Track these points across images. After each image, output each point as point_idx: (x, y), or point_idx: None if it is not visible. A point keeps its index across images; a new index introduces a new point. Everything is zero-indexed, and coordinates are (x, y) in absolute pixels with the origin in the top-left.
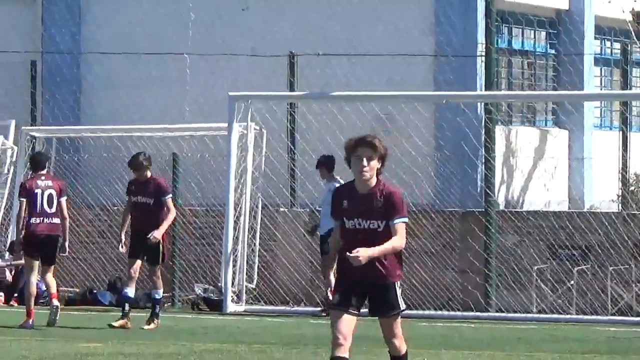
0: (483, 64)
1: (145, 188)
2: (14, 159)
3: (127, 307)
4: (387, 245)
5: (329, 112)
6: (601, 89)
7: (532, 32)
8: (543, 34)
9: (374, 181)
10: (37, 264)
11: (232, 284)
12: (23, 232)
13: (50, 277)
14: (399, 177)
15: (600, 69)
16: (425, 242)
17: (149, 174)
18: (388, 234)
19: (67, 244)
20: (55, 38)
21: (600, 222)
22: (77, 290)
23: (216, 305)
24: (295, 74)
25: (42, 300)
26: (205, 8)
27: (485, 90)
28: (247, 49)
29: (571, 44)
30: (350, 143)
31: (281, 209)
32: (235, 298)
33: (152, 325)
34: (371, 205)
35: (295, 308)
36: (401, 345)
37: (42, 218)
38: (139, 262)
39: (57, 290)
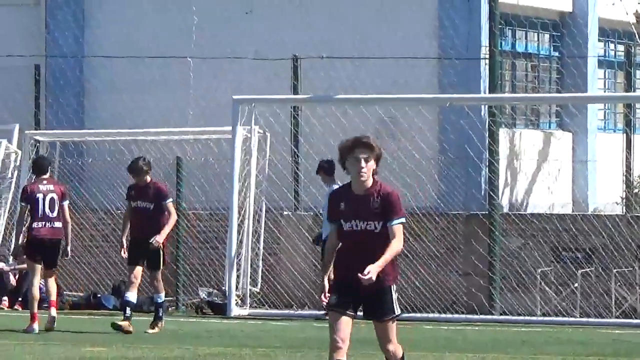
0: (487, 67)
1: (145, 193)
2: (17, 163)
3: (128, 311)
4: (391, 252)
5: (333, 115)
6: (605, 92)
7: (536, 34)
8: (547, 36)
9: (370, 182)
10: (40, 267)
11: (236, 287)
12: (25, 237)
13: (52, 282)
14: (403, 180)
15: (604, 71)
16: (429, 245)
17: (148, 178)
18: (385, 235)
19: (69, 248)
20: (59, 41)
21: (604, 224)
22: (81, 294)
23: (220, 309)
24: (299, 77)
25: (45, 305)
26: (208, 11)
27: (489, 93)
28: (251, 52)
29: (575, 46)
30: (346, 144)
31: (285, 213)
32: (239, 302)
33: (155, 329)
34: (368, 207)
35: (299, 311)
36: (396, 350)
37: (44, 222)
38: (139, 268)
39: (58, 296)
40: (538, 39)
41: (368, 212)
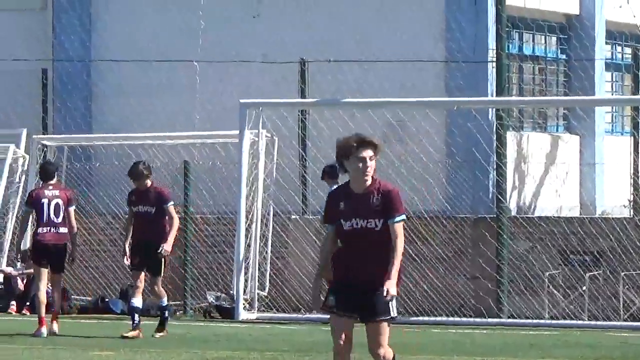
0: (494, 70)
1: (146, 197)
2: (25, 168)
3: (137, 317)
4: (398, 257)
5: (340, 118)
6: (612, 94)
7: (543, 37)
8: (554, 39)
9: (370, 180)
10: (46, 272)
11: (244, 291)
12: (31, 241)
13: (58, 290)
14: (411, 184)
15: (612, 74)
16: (437, 249)
17: (149, 182)
18: (385, 233)
19: (75, 253)
20: (66, 46)
21: (611, 227)
22: (89, 298)
23: (228, 313)
24: (306, 80)
25: (53, 309)
26: (215, 15)
27: (497, 96)
28: (258, 55)
29: (582, 49)
30: (349, 143)
31: (293, 216)
32: (247, 305)
33: (163, 333)
34: (369, 205)
35: (307, 315)
36: (386, 354)
37: (49, 227)
38: (143, 273)
39: (65, 300)
40: (545, 42)
41: (369, 210)
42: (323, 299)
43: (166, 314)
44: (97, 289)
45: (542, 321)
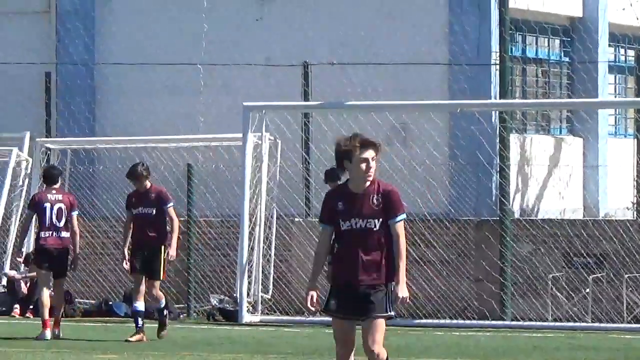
0: (497, 73)
1: (146, 198)
2: (28, 171)
3: (140, 321)
4: (403, 257)
5: (343, 121)
6: (615, 97)
7: (546, 40)
8: (557, 41)
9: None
10: (49, 275)
11: (248, 294)
12: (34, 245)
13: (59, 295)
14: (414, 186)
15: (615, 77)
16: (440, 251)
17: (148, 184)
18: (383, 233)
19: (77, 260)
20: (69, 49)
21: (615, 229)
22: (93, 301)
23: (232, 316)
24: (309, 83)
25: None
26: (218, 18)
27: (500, 98)
28: (261, 58)
29: (585, 51)
30: (352, 144)
31: (296, 219)
32: (250, 308)
33: (164, 331)
34: (368, 205)
35: (311, 318)
36: (380, 353)
37: (51, 232)
38: (143, 276)
39: (66, 304)
40: (548, 45)
41: (368, 210)
42: (324, 300)
43: (165, 312)
44: (100, 292)
45: (545, 324)
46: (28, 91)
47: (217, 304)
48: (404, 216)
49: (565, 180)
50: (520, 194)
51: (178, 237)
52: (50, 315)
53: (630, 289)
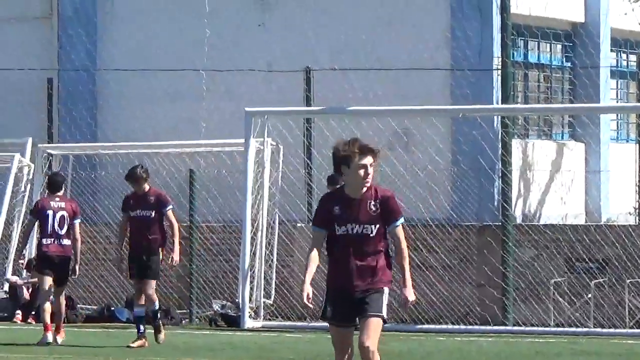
0: (499, 78)
1: (144, 201)
2: (30, 177)
3: (141, 327)
4: (406, 261)
5: (346, 127)
6: (617, 102)
7: (548, 45)
8: (559, 46)
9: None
10: (50, 279)
11: (250, 299)
12: (35, 251)
13: (61, 302)
14: (416, 191)
15: (617, 82)
16: (442, 256)
17: (147, 186)
18: (379, 238)
19: (77, 266)
20: (71, 55)
21: (617, 235)
22: (95, 307)
23: (234, 321)
24: (311, 89)
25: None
26: (221, 24)
27: (502, 103)
28: (263, 64)
29: (587, 56)
30: (351, 149)
31: (298, 225)
32: (252, 314)
33: (162, 334)
34: (365, 210)
35: (313, 324)
36: (374, 352)
37: (53, 239)
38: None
39: (70, 309)
40: (550, 50)
41: (365, 216)
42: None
43: (158, 317)
44: (102, 297)
45: (547, 329)
46: (30, 97)
47: (219, 309)
48: (402, 220)
49: (567, 186)
50: (523, 199)
51: (180, 241)
52: (52, 320)
53: (633, 294)
